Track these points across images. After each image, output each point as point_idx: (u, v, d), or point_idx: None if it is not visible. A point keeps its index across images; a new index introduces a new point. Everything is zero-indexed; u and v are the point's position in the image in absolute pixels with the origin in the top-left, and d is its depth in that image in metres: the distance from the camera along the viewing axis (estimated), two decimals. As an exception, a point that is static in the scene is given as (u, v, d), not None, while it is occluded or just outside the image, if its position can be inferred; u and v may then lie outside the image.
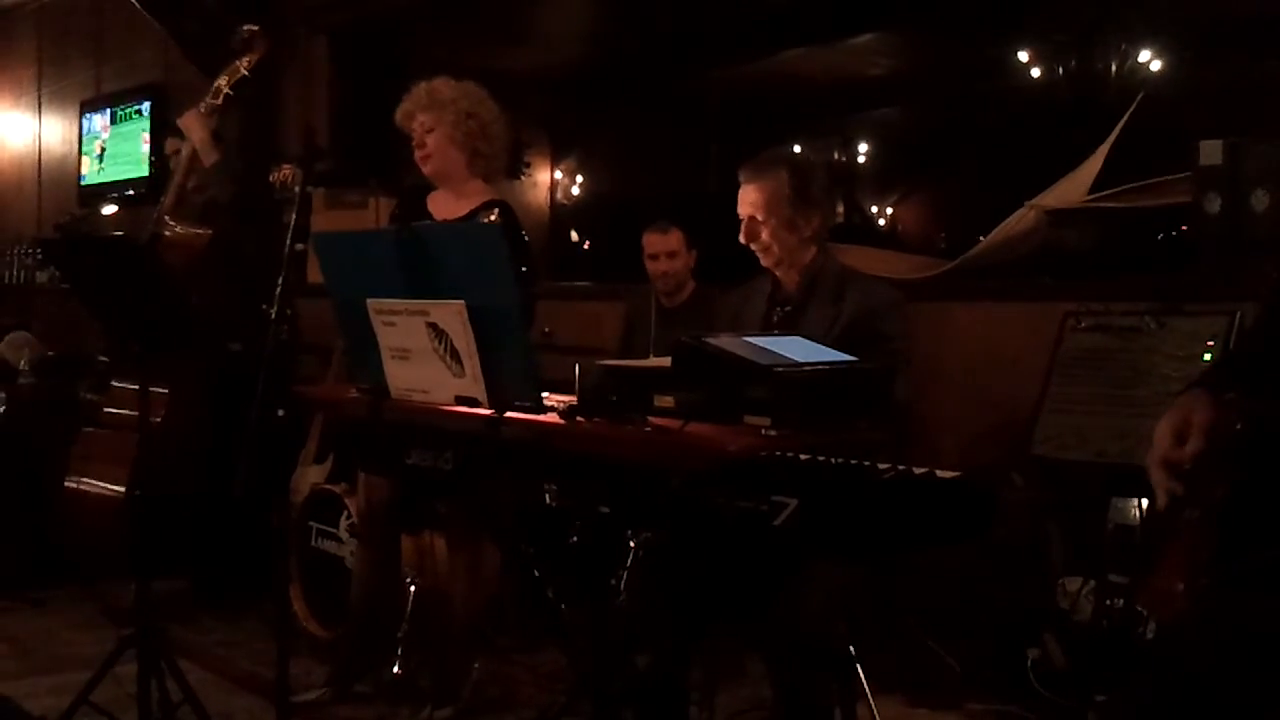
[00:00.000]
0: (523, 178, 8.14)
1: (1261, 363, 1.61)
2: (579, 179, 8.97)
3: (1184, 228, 3.92)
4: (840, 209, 10.07)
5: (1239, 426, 1.38)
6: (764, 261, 3.01)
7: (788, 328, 2.91)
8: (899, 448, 2.80)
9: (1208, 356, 3.21)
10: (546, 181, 8.50)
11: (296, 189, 3.67)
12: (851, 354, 2.79)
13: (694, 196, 7.44)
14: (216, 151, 4.39)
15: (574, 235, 9.43)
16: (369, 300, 2.49)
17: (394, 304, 2.44)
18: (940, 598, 3.50)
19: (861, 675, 2.62)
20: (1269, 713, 1.50)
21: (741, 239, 2.99)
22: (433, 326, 2.36)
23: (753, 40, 7.36)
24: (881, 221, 11.21)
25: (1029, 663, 3.36)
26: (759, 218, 2.93)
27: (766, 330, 2.96)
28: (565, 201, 8.77)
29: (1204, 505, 1.56)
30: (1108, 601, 3.22)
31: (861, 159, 10.72)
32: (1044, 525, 3.53)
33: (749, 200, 2.95)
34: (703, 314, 4.40)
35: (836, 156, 10.59)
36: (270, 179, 4.82)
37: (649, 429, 2.15)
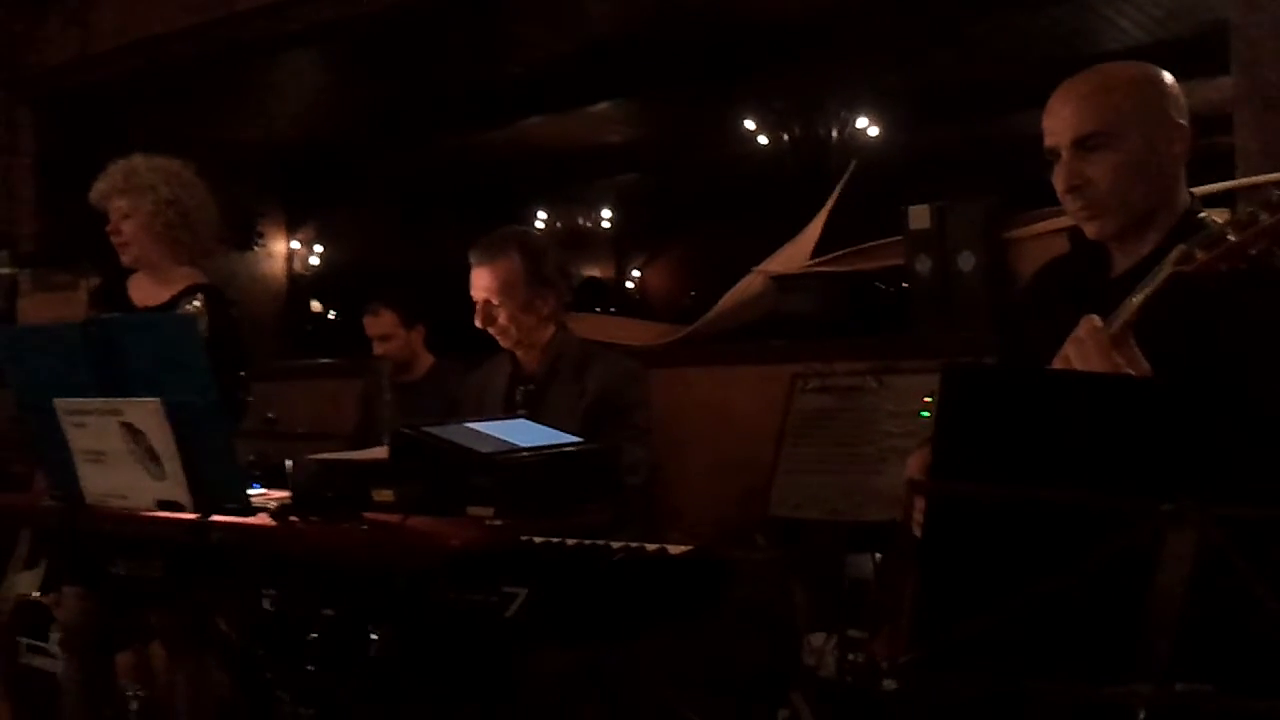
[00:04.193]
0: (256, 249, 7.82)
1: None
2: (317, 248, 8.70)
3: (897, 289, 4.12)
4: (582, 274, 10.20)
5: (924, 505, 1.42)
6: (503, 343, 2.97)
7: (532, 407, 2.87)
8: (637, 520, 2.80)
9: (925, 414, 3.35)
10: (283, 252, 8.18)
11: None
12: (598, 429, 2.79)
13: (430, 268, 7.34)
14: None
15: (317, 306, 9.12)
16: (56, 400, 2.29)
17: (83, 403, 2.25)
18: (688, 662, 3.50)
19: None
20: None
21: (478, 322, 2.94)
22: (127, 426, 2.18)
23: (491, 109, 7.38)
24: (629, 285, 11.41)
25: (782, 723, 3.38)
26: (494, 301, 2.89)
27: (510, 409, 2.90)
28: (304, 272, 8.48)
29: (908, 579, 1.60)
30: (849, 656, 3.30)
31: (606, 224, 10.89)
32: (787, 584, 3.59)
33: (482, 284, 2.90)
34: (441, 388, 4.28)
35: (581, 222, 10.73)
36: None
37: (366, 526, 2.05)
